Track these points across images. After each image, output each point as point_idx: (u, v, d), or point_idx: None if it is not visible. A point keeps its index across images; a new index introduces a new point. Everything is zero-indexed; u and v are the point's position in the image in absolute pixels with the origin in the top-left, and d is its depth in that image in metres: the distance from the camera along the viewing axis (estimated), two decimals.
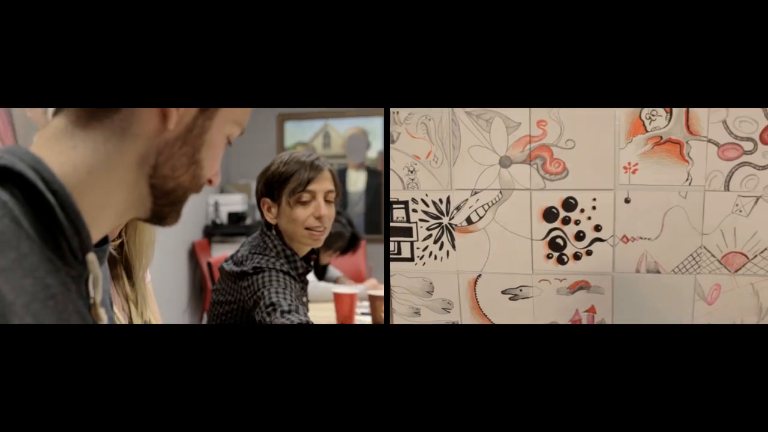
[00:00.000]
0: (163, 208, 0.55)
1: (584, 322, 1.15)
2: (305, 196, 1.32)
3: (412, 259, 1.25)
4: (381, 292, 1.58)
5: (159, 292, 1.20)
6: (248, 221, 3.26)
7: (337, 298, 1.60)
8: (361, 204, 3.33)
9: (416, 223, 1.24)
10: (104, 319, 0.55)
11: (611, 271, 1.12)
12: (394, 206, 1.25)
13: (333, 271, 2.30)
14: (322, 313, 1.65)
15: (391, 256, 1.27)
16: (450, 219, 1.21)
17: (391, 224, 1.25)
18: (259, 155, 1.68)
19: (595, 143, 1.10)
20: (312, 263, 1.41)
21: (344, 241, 2.24)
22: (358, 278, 2.37)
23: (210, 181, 0.57)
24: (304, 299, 1.39)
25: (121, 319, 0.93)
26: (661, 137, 1.07)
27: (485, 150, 1.17)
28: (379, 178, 3.28)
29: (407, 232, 1.25)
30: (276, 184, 1.34)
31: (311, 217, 1.33)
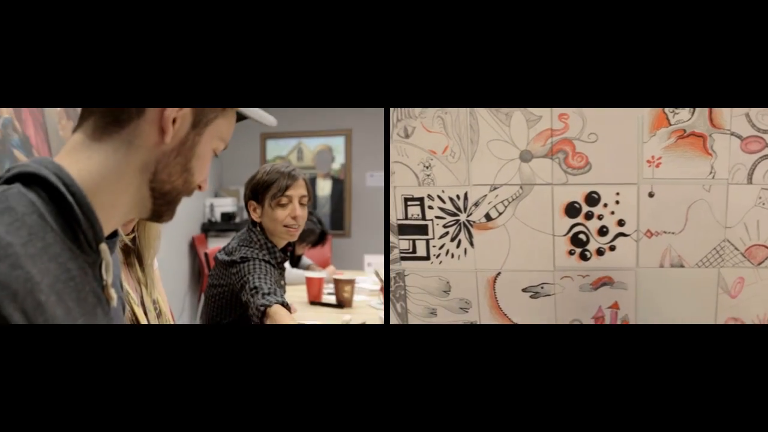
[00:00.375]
0: (161, 207, 0.65)
1: (607, 318, 1.13)
2: (283, 200, 1.57)
3: (427, 258, 1.22)
4: (343, 276, 2.01)
5: (165, 277, 1.37)
6: (237, 220, 3.82)
7: (309, 281, 1.99)
8: (327, 206, 4.13)
9: (432, 220, 1.20)
10: (114, 298, 0.65)
11: (635, 267, 1.11)
12: (409, 203, 1.21)
13: (305, 260, 2.79)
14: (297, 293, 2.01)
15: (405, 254, 1.23)
16: (468, 216, 1.18)
17: (406, 222, 1.21)
18: (245, 166, 2.01)
19: (619, 137, 1.08)
20: (288, 254, 1.65)
21: (315, 236, 2.73)
22: (325, 265, 2.87)
23: (200, 187, 0.68)
24: (282, 282, 1.64)
25: (134, 297, 1.09)
26: (685, 130, 1.06)
27: (505, 144, 1.14)
28: (342, 184, 4.11)
29: (423, 229, 1.21)
30: (260, 190, 1.58)
31: (288, 216, 1.56)
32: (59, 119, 1.62)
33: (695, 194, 1.07)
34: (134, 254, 1.13)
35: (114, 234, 0.66)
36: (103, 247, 0.60)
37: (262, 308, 1.34)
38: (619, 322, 1.12)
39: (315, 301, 1.97)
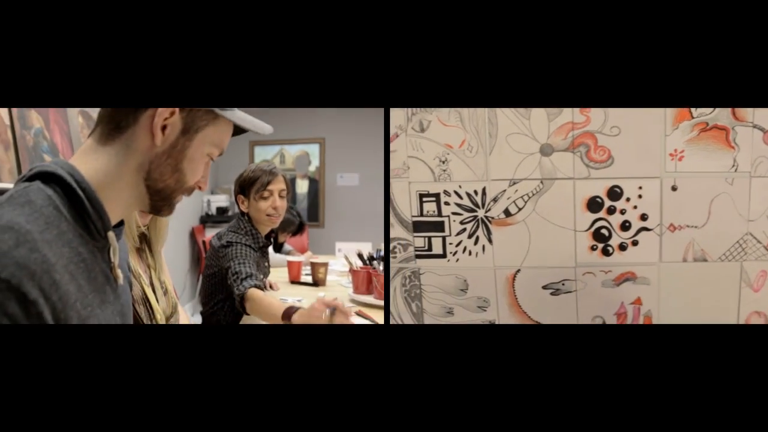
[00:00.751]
0: (157, 202, 0.74)
1: (630, 314, 1.11)
2: (265, 194, 1.82)
3: (444, 256, 1.18)
4: (318, 260, 2.35)
5: (170, 261, 1.58)
6: (230, 213, 4.52)
7: (289, 264, 2.30)
8: (305, 202, 4.90)
9: (448, 216, 1.17)
10: (121, 277, 0.75)
11: (658, 261, 1.09)
12: (424, 199, 1.17)
13: (287, 246, 3.25)
14: (280, 274, 2.36)
15: (420, 252, 1.19)
16: (486, 211, 1.15)
17: (421, 219, 1.17)
18: (236, 168, 2.21)
19: (641, 130, 1.07)
20: (271, 239, 1.91)
21: (295, 227, 3.24)
22: (303, 251, 3.31)
23: (199, 187, 0.76)
24: (266, 264, 1.92)
25: (145, 279, 1.26)
26: (707, 123, 1.05)
27: (525, 138, 1.11)
28: (317, 184, 4.92)
29: (439, 226, 1.18)
30: (246, 185, 1.85)
31: (270, 207, 1.82)
32: (81, 129, 1.87)
33: (718, 187, 1.06)
34: (146, 243, 1.33)
35: (120, 223, 0.75)
36: (110, 234, 0.70)
37: (239, 297, 1.54)
38: (641, 318, 1.11)
39: (295, 281, 2.27)
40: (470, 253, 1.16)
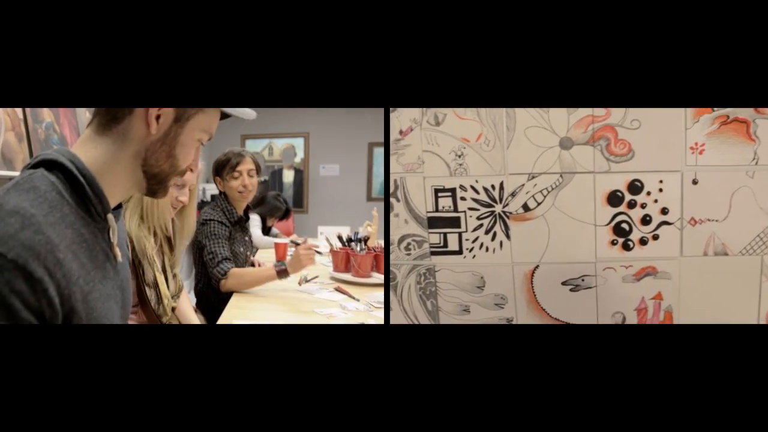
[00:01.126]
0: (153, 186, 0.78)
1: (650, 310, 1.10)
2: (236, 174, 2.06)
3: (460, 252, 1.15)
4: (302, 240, 2.48)
5: None
6: None
7: (276, 245, 2.53)
8: (291, 190, 5.37)
9: (465, 212, 1.14)
10: (119, 255, 0.80)
11: (679, 256, 1.08)
12: (440, 194, 1.14)
13: (274, 230, 3.61)
14: (268, 254, 2.60)
15: (435, 249, 1.16)
16: (504, 206, 1.12)
17: (436, 214, 1.14)
18: None
19: (661, 123, 1.06)
20: (246, 216, 2.14)
21: (281, 212, 3.58)
22: (289, 234, 3.69)
23: (191, 170, 0.83)
24: (246, 237, 2.17)
25: (158, 265, 1.43)
26: (728, 116, 1.04)
27: (543, 131, 1.09)
28: (302, 174, 5.41)
29: (454, 222, 1.15)
30: (220, 167, 2.10)
31: (240, 185, 2.06)
32: (87, 123, 1.92)
33: (738, 181, 1.05)
34: (166, 240, 1.47)
35: (119, 206, 0.80)
36: (110, 216, 0.75)
37: (217, 280, 1.82)
38: (662, 314, 1.10)
39: (281, 260, 2.42)
40: (487, 249, 1.14)
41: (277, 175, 5.44)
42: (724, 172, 1.05)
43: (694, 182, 1.06)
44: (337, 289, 1.86)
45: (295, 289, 1.90)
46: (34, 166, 0.71)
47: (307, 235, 3.99)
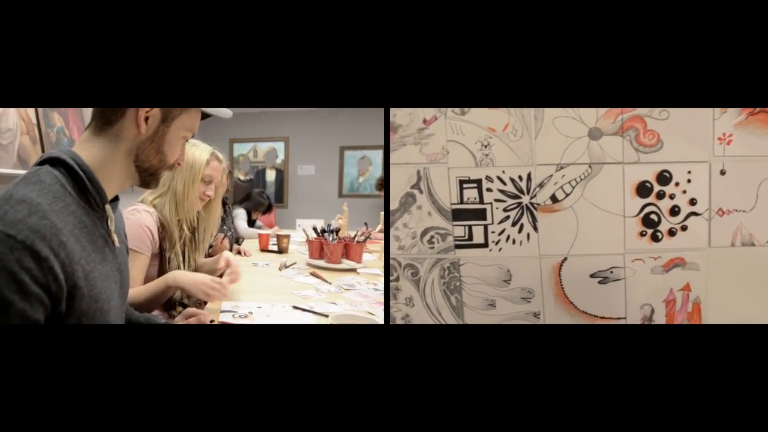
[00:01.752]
0: (146, 178, 0.88)
1: (679, 301, 1.09)
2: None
3: (485, 245, 1.12)
4: (282, 232, 2.91)
5: None
6: None
7: (260, 236, 2.90)
8: (273, 187, 5.95)
9: (491, 203, 1.11)
10: (116, 241, 0.88)
11: (707, 246, 1.08)
12: (465, 186, 1.11)
13: (258, 222, 4.06)
14: (253, 244, 2.99)
15: (460, 242, 1.13)
16: (531, 198, 1.10)
17: (461, 206, 1.11)
18: None
19: (690, 113, 1.05)
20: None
21: (264, 207, 4.02)
22: (271, 226, 4.17)
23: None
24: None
25: (182, 256, 1.57)
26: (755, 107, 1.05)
27: (572, 121, 1.07)
28: (282, 174, 5.99)
29: (480, 214, 1.12)
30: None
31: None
32: (86, 126, 2.08)
33: (766, 171, 1.06)
34: (192, 235, 1.61)
35: (116, 198, 0.90)
36: (108, 207, 0.85)
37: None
38: (690, 305, 1.09)
39: (264, 249, 2.82)
40: (514, 242, 1.11)
41: (260, 174, 6.01)
42: (751, 162, 1.06)
43: (722, 173, 1.06)
44: (312, 274, 2.02)
45: (276, 274, 2.05)
46: (40, 163, 0.80)
47: (287, 226, 4.82)
